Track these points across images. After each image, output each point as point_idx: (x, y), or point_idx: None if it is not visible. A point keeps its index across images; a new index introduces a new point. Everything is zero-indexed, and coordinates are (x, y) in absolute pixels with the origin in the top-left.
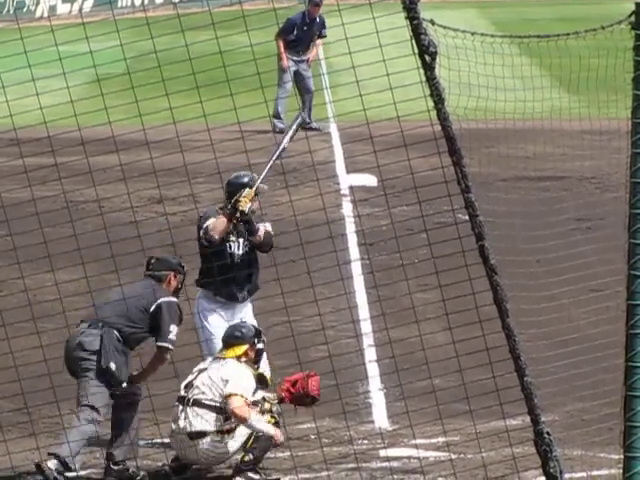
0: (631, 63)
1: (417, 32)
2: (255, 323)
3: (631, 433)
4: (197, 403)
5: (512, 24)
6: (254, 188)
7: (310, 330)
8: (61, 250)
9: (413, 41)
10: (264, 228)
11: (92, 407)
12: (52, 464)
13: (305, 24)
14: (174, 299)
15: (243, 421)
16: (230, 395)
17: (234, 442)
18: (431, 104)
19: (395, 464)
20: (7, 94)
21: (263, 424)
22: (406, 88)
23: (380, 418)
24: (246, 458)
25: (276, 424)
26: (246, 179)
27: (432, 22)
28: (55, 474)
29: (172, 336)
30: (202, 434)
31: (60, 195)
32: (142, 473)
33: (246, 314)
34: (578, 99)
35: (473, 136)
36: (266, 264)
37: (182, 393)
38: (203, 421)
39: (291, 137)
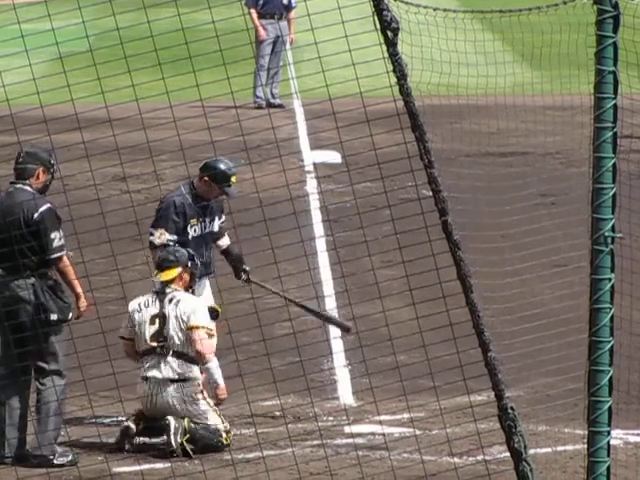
0: (593, 38)
1: (379, 8)
2: (212, 301)
3: (595, 408)
4: (179, 354)
5: None
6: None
7: (274, 307)
8: None
9: (375, 17)
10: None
11: (56, 373)
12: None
13: None
14: (50, 204)
15: (206, 357)
16: (197, 327)
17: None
18: (394, 80)
19: (360, 440)
20: None
21: (218, 373)
22: (369, 64)
23: (345, 394)
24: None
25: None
26: (222, 164)
27: None
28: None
29: (57, 243)
30: (186, 379)
31: None
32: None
33: (203, 291)
34: (541, 74)
35: (437, 112)
36: (231, 241)
37: (152, 344)
38: (187, 369)
39: (320, 316)
